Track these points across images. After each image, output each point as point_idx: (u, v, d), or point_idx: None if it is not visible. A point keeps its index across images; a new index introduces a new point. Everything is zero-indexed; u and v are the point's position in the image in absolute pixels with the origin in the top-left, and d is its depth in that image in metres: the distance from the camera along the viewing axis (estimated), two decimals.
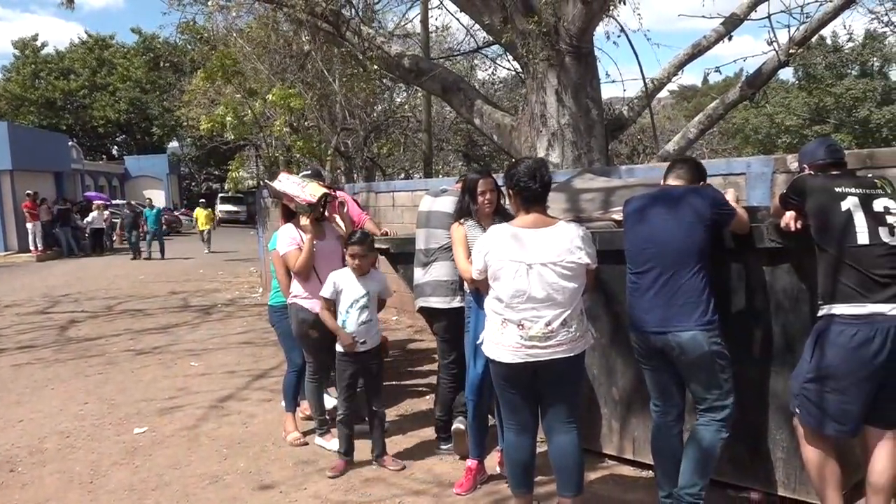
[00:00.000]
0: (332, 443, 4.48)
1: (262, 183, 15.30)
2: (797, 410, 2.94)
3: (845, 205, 2.79)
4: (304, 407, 4.96)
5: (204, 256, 20.35)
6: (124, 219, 22.80)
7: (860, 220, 2.76)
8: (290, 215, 4.57)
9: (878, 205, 2.80)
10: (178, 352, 7.63)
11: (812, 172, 3.04)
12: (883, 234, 2.75)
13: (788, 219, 3.00)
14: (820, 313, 2.86)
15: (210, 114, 13.05)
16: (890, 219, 2.77)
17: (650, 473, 3.61)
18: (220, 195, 41.68)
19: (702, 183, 3.27)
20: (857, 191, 2.82)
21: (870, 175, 3.06)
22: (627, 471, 3.97)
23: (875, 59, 27.26)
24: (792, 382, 2.99)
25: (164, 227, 23.44)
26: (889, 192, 2.84)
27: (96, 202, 24.30)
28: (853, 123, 24.67)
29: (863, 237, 2.74)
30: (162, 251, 20.55)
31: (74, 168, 30.66)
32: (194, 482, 4.13)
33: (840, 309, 2.76)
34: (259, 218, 12.96)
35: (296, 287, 4.47)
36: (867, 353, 2.69)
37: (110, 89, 42.31)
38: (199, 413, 5.41)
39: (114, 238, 25.22)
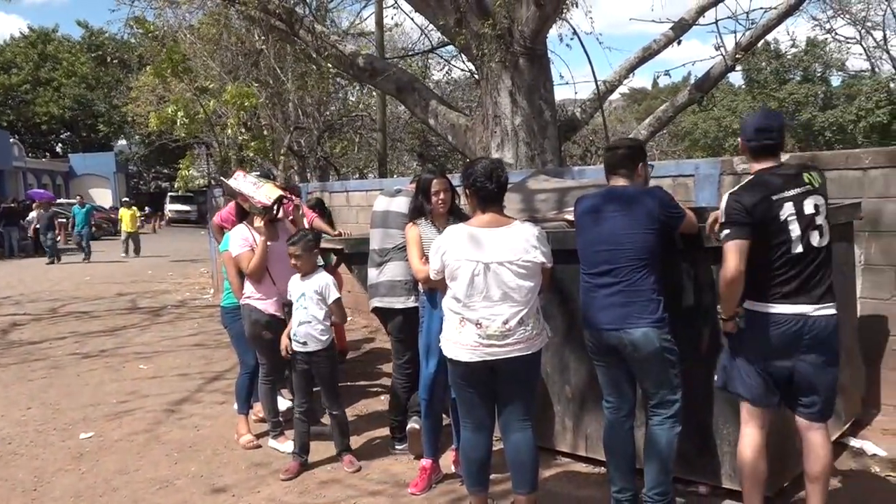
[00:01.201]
0: (286, 445, 4.43)
1: (213, 181, 15.08)
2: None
3: (783, 214, 2.85)
4: (258, 409, 4.90)
5: (152, 258, 19.85)
6: (41, 219, 20.00)
7: (795, 229, 2.84)
8: (243, 215, 4.52)
9: (809, 205, 2.87)
10: (127, 355, 7.45)
11: (746, 174, 3.06)
12: (814, 238, 2.86)
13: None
14: (746, 305, 2.96)
15: (159, 111, 12.78)
16: (819, 219, 2.87)
17: (603, 470, 3.67)
18: (169, 194, 40.86)
19: (641, 164, 3.31)
20: (792, 193, 2.87)
21: (794, 167, 3.04)
22: (580, 467, 4.02)
23: (817, 65, 28.18)
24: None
25: (94, 228, 21.78)
26: (816, 185, 2.93)
27: (38, 200, 23.29)
28: (796, 127, 25.50)
29: (797, 246, 2.84)
30: (88, 253, 19.04)
31: (16, 166, 29.69)
32: (143, 487, 4.04)
33: (771, 308, 2.87)
34: (210, 217, 12.74)
35: (248, 288, 4.42)
36: (788, 344, 2.86)
37: (54, 84, 41.01)
38: (148, 417, 5.29)
39: (58, 238, 24.43)
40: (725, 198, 2.95)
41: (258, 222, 4.35)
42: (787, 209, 2.85)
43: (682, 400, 3.16)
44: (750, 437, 3.00)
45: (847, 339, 4.16)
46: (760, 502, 3.01)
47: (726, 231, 2.91)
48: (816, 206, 2.88)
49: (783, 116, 3.15)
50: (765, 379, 2.94)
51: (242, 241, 4.40)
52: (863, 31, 29.12)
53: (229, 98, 10.82)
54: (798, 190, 2.88)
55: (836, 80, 29.70)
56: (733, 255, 2.86)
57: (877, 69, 29.29)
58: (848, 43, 29.86)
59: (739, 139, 3.12)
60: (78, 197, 22.53)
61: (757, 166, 3.01)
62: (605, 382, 3.33)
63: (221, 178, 4.86)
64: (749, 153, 3.05)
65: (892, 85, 26.28)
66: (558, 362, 4.02)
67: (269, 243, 4.35)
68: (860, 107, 24.75)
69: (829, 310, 2.88)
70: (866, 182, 4.62)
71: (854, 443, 4.15)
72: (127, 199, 23.89)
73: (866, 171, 4.62)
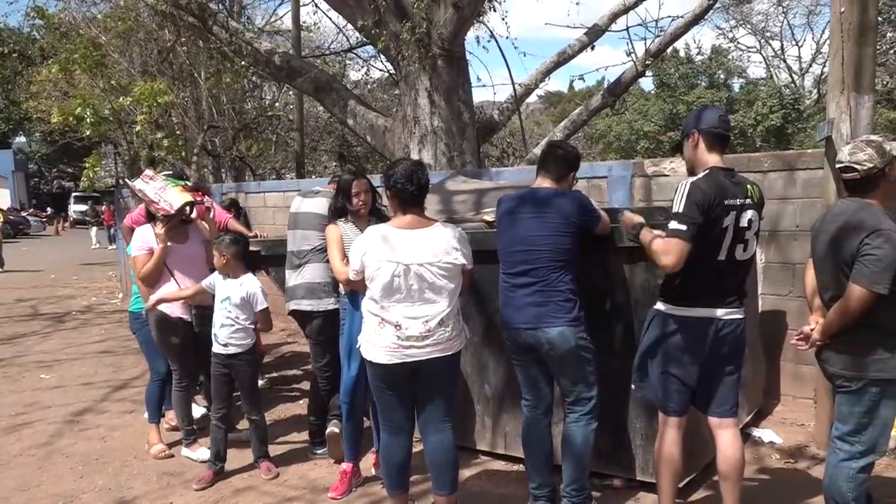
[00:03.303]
0: (200, 453, 4.30)
1: (121, 181, 14.48)
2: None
3: (726, 221, 2.86)
4: (170, 417, 4.74)
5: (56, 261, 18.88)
6: None
7: (728, 237, 2.88)
8: (152, 216, 4.36)
9: (745, 218, 2.90)
10: (26, 364, 7.05)
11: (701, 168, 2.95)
12: (738, 251, 2.92)
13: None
14: (659, 306, 3.03)
15: (63, 106, 12.15)
16: (748, 234, 2.92)
17: (521, 467, 3.72)
18: (73, 194, 38.96)
19: (572, 175, 3.37)
20: (738, 202, 2.88)
21: (739, 176, 2.99)
22: (499, 465, 4.07)
23: (720, 71, 29.54)
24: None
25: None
26: (755, 199, 2.95)
27: None
28: None
29: (723, 254, 2.89)
30: None
31: None
32: (46, 503, 3.84)
33: (682, 311, 2.94)
34: (117, 219, 12.22)
35: (154, 292, 4.25)
36: (698, 347, 2.93)
37: None
38: (51, 429, 5.03)
39: None
40: (687, 187, 2.82)
41: (159, 228, 4.22)
42: (731, 218, 2.86)
43: (598, 397, 3.24)
44: (668, 436, 3.08)
45: (750, 334, 4.37)
46: (674, 494, 3.13)
47: (681, 227, 2.79)
48: (750, 221, 2.91)
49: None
50: (677, 383, 3.02)
51: (142, 243, 4.24)
52: (762, 41, 30.78)
53: (140, 95, 10.39)
54: (741, 200, 2.88)
55: (737, 87, 31.23)
56: (675, 255, 2.78)
57: (775, 77, 30.99)
58: (749, 52, 31.51)
59: (693, 130, 2.98)
60: None
61: (707, 160, 2.94)
62: (523, 381, 3.39)
63: (127, 179, 4.67)
64: (705, 142, 2.95)
65: (785, 91, 27.83)
66: (477, 362, 4.06)
67: (174, 246, 4.23)
68: (758, 112, 26.11)
69: (737, 314, 2.97)
70: (766, 184, 4.86)
71: (756, 432, 4.37)
72: None
73: (766, 174, 4.87)
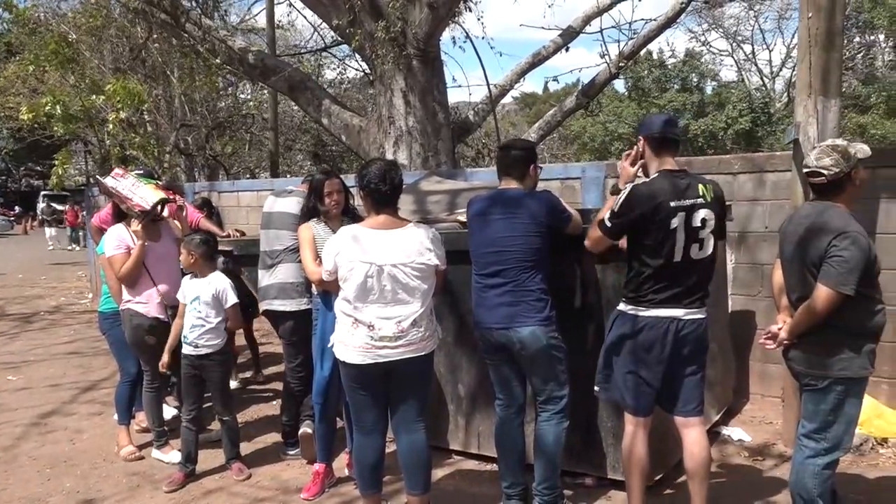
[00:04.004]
0: (171, 455, 4.26)
1: (92, 180, 14.26)
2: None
3: (674, 223, 2.91)
4: (140, 419, 4.68)
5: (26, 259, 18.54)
6: None
7: (680, 238, 2.92)
8: (121, 215, 4.31)
9: (697, 218, 2.94)
10: None
11: (644, 178, 3.08)
12: (693, 251, 2.96)
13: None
14: (621, 307, 3.08)
15: (33, 103, 11.92)
16: (702, 233, 2.96)
17: (494, 466, 3.74)
18: (42, 193, 38.25)
19: (532, 166, 3.38)
20: (687, 203, 2.93)
21: (691, 176, 3.05)
22: (472, 465, 4.08)
23: (693, 75, 29.87)
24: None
25: None
26: (708, 199, 2.99)
27: None
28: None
29: (678, 255, 2.94)
30: None
31: None
32: None
33: (643, 312, 2.99)
34: (88, 218, 12.02)
35: (127, 292, 4.21)
36: (660, 347, 2.97)
37: None
38: (17, 432, 4.94)
39: None
40: (627, 190, 2.96)
41: (136, 225, 4.16)
42: (679, 219, 2.90)
43: (569, 396, 3.27)
44: (633, 435, 3.12)
45: (720, 334, 4.44)
46: (643, 492, 3.16)
47: (607, 223, 3.00)
48: (704, 220, 2.94)
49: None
50: (641, 384, 3.06)
51: (118, 242, 4.19)
52: (734, 44, 31.20)
53: (112, 93, 10.22)
54: (691, 201, 2.93)
55: (709, 90, 31.61)
56: (591, 241, 3.14)
57: (746, 80, 31.43)
58: (721, 55, 31.91)
59: (640, 137, 3.12)
60: None
61: (658, 164, 3.02)
62: (495, 380, 3.40)
63: (98, 176, 4.59)
64: (652, 148, 3.05)
65: (755, 94, 28.24)
66: (451, 362, 4.07)
67: (149, 244, 4.17)
68: (728, 115, 26.44)
69: (698, 314, 2.99)
70: (736, 186, 4.94)
71: (725, 431, 4.43)
72: None
73: (736, 176, 4.94)
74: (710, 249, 3.00)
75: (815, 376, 2.83)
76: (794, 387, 3.48)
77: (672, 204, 2.90)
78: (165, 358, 4.12)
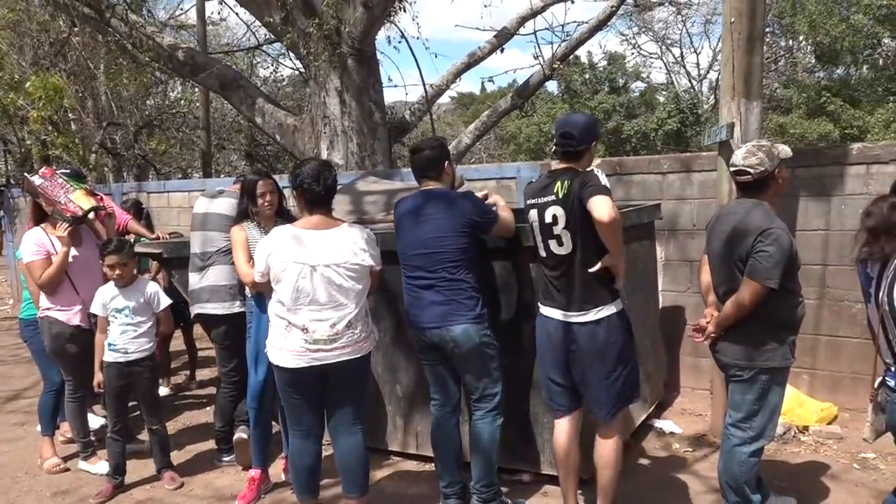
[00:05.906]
0: (98, 466, 4.11)
1: (12, 180, 13.62)
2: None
3: (531, 219, 3.10)
4: (65, 429, 4.50)
5: None
6: None
7: (537, 234, 3.07)
8: (41, 217, 4.11)
9: (549, 215, 2.97)
10: None
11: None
12: (553, 245, 3.01)
13: None
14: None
15: None
16: (556, 229, 2.98)
17: (432, 466, 3.74)
18: None
19: (447, 163, 3.37)
20: (541, 200, 3.01)
21: (556, 174, 3.03)
22: (411, 465, 4.08)
23: (619, 76, 30.56)
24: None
25: None
26: (560, 196, 2.93)
27: None
28: (606, 133, 27.45)
29: (542, 250, 3.08)
30: None
31: None
32: None
33: (539, 308, 3.15)
34: (7, 220, 11.46)
35: (45, 299, 4.01)
36: (554, 347, 3.07)
37: None
38: None
39: None
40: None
41: (60, 230, 3.96)
42: (533, 216, 3.06)
43: (504, 392, 3.29)
44: (561, 428, 3.18)
45: (651, 329, 4.55)
46: (575, 486, 3.21)
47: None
48: (555, 217, 2.96)
49: (594, 120, 3.19)
50: (550, 382, 3.16)
51: (37, 246, 3.97)
52: (663, 47, 32.08)
53: (33, 90, 9.77)
54: (545, 199, 3.00)
55: (637, 92, 32.42)
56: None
57: (675, 82, 32.34)
58: (651, 58, 32.78)
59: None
60: None
61: (552, 164, 3.22)
62: (431, 380, 3.41)
63: (25, 174, 4.36)
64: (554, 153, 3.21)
65: (684, 96, 29.11)
66: (389, 363, 4.05)
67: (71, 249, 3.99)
68: (658, 116, 27.16)
69: (585, 316, 2.95)
70: (665, 185, 5.08)
71: (657, 423, 4.55)
72: None
73: (665, 176, 5.08)
74: (570, 246, 2.95)
75: (741, 367, 2.94)
76: (722, 379, 3.59)
77: (529, 201, 3.09)
78: (99, 377, 3.89)
